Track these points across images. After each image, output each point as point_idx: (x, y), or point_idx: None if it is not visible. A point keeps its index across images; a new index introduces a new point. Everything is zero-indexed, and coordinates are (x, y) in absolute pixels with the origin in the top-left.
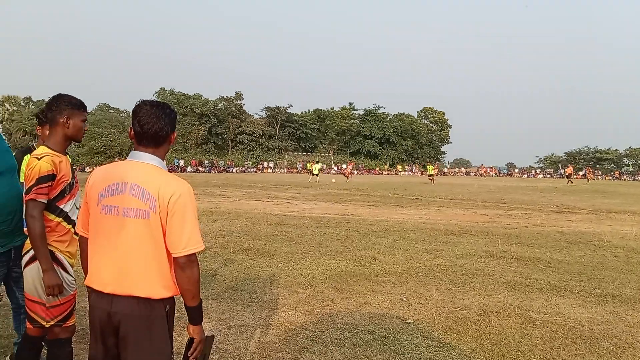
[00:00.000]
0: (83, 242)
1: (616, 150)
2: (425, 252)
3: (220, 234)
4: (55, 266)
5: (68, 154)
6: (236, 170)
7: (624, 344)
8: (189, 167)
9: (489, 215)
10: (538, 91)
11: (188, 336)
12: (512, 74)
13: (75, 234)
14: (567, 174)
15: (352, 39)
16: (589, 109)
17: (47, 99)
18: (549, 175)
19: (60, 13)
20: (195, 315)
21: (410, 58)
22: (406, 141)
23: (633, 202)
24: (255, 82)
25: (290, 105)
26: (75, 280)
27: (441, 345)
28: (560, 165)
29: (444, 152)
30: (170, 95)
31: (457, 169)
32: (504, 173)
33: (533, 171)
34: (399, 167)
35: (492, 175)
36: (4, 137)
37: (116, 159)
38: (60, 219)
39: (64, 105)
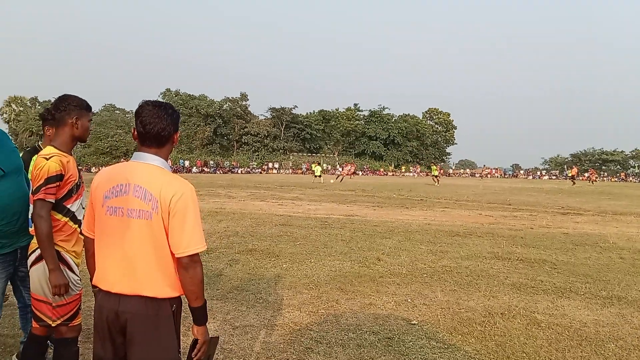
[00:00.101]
0: (88, 243)
1: (622, 151)
2: (430, 254)
3: (225, 235)
4: (61, 266)
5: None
6: (241, 171)
7: (629, 346)
8: (195, 167)
9: (494, 217)
10: (543, 92)
11: (192, 337)
12: (518, 74)
13: (81, 234)
14: (570, 175)
15: (353, 39)
16: (595, 111)
17: (52, 100)
18: (554, 177)
19: (63, 13)
20: (200, 316)
21: (413, 58)
22: (411, 142)
23: (639, 204)
24: (260, 83)
25: (295, 106)
26: (80, 280)
27: (446, 346)
28: (565, 167)
29: (449, 154)
30: (175, 96)
31: (462, 170)
32: (509, 174)
33: (538, 172)
34: (403, 168)
35: (497, 177)
36: (10, 137)
37: (122, 160)
38: (67, 218)
39: (72, 106)
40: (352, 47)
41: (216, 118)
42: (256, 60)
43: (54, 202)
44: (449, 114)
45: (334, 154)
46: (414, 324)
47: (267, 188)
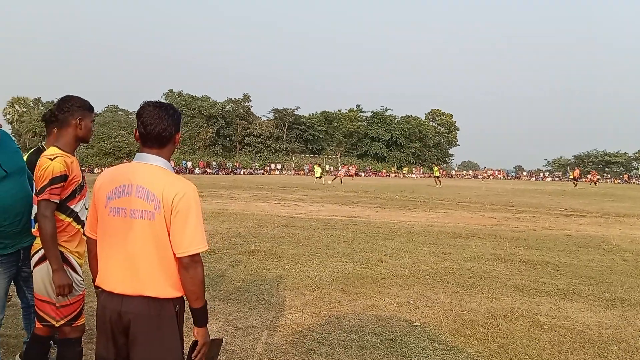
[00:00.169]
0: (90, 244)
1: (625, 153)
2: (432, 255)
3: (227, 236)
4: (64, 266)
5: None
6: (244, 172)
7: (632, 349)
8: (197, 168)
9: (497, 218)
10: (543, 92)
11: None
12: (518, 74)
13: (84, 234)
14: (572, 176)
15: (353, 39)
16: (597, 112)
17: (55, 101)
18: (557, 178)
19: (67, 14)
20: (200, 317)
21: (414, 58)
22: (414, 143)
23: None
24: (260, 83)
25: (298, 107)
26: (84, 280)
27: (448, 348)
28: (568, 168)
29: (451, 155)
30: (178, 97)
31: (464, 172)
32: (512, 176)
33: (541, 174)
34: (406, 169)
35: (500, 178)
36: (13, 138)
37: (124, 160)
38: (71, 219)
39: (75, 107)
40: (352, 47)
41: (219, 119)
42: (256, 60)
43: (58, 202)
44: (451, 115)
45: (336, 155)
46: (417, 326)
47: (269, 189)
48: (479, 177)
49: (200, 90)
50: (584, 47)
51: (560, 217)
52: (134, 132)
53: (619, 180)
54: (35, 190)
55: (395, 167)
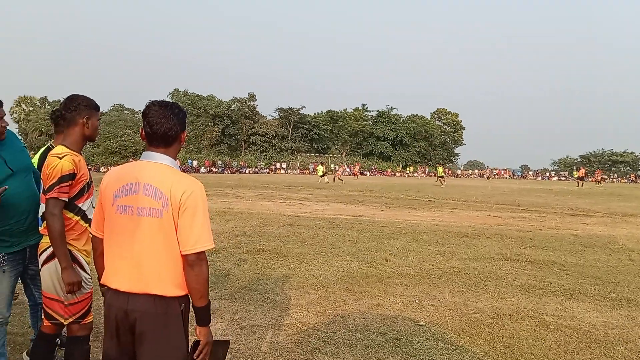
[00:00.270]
0: (96, 242)
1: (632, 153)
2: (438, 254)
3: (233, 235)
4: (73, 264)
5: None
6: (249, 171)
7: (639, 349)
8: (203, 167)
9: (503, 218)
10: (543, 92)
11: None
12: (518, 74)
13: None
14: (578, 176)
15: (353, 39)
16: (601, 111)
17: (61, 100)
18: (563, 178)
19: (69, 13)
20: (203, 316)
21: (414, 58)
22: (419, 143)
23: None
24: (261, 83)
25: (303, 107)
26: (91, 278)
27: (454, 347)
28: (574, 168)
29: (457, 154)
30: (184, 96)
31: (470, 171)
32: (518, 175)
33: (547, 174)
34: (411, 168)
35: (506, 178)
36: (20, 137)
37: (130, 159)
38: (79, 217)
39: (82, 106)
40: (352, 47)
41: (224, 118)
42: (256, 60)
43: (67, 200)
44: (457, 115)
45: (341, 154)
46: (422, 325)
47: (274, 188)
48: (485, 176)
49: (202, 89)
50: (584, 47)
51: (567, 216)
52: (140, 131)
53: (626, 180)
54: (43, 188)
55: (401, 166)
